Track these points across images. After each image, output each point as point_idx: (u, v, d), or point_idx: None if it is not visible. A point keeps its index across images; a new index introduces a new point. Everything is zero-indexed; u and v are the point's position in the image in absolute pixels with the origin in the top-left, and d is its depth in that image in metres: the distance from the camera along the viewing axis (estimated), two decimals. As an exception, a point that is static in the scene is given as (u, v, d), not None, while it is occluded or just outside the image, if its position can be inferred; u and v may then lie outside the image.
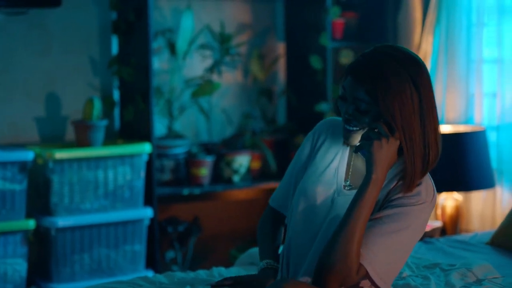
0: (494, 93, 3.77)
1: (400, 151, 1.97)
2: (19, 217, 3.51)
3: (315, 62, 4.14)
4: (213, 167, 4.13)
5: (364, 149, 1.95)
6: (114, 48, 4.01)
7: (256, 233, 3.99)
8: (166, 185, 4.01)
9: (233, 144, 4.18)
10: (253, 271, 2.59)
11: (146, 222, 3.79)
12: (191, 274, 2.57)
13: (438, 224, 3.69)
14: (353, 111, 1.96)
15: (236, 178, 4.11)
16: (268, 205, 2.27)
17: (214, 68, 4.15)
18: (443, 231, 3.74)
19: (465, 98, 3.85)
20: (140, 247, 3.78)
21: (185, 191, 3.98)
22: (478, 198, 3.80)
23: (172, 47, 4.07)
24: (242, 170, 4.13)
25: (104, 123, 3.71)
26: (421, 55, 3.98)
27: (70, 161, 3.59)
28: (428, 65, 3.92)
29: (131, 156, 3.72)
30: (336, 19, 4.21)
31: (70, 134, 3.92)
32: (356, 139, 2.00)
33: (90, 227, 3.66)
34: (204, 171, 4.04)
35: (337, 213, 2.00)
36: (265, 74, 4.37)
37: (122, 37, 3.95)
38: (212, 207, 4.37)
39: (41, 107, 3.90)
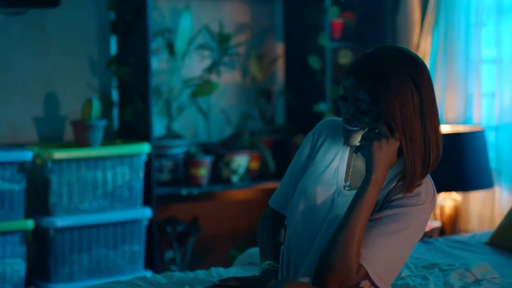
0: (492, 93, 3.77)
1: (400, 151, 1.97)
2: (17, 217, 3.51)
3: (313, 62, 4.14)
4: (212, 167, 4.13)
5: (364, 149, 1.95)
6: (113, 48, 4.01)
7: (255, 233, 4.01)
8: (165, 185, 4.01)
9: (231, 144, 4.18)
10: (252, 271, 2.59)
11: (145, 222, 3.79)
12: (190, 274, 2.57)
13: (437, 224, 3.69)
14: (353, 111, 1.96)
15: (234, 178, 4.11)
16: (268, 205, 2.26)
17: (212, 68, 4.15)
18: (442, 231, 3.74)
19: (464, 98, 3.85)
20: (139, 247, 3.78)
21: (184, 191, 3.98)
22: (476, 198, 3.80)
23: (170, 47, 4.06)
24: (241, 170, 4.12)
25: (102, 123, 3.71)
26: (419, 55, 3.97)
27: (68, 161, 3.59)
28: (427, 65, 3.91)
29: (130, 156, 3.71)
30: (334, 19, 4.21)
31: (68, 134, 3.92)
32: (357, 139, 2.00)
33: (89, 227, 3.66)
34: (203, 171, 4.04)
35: (337, 213, 2.00)
36: (264, 74, 4.36)
37: (120, 37, 3.95)
38: (211, 207, 4.37)
39: (39, 107, 3.90)
